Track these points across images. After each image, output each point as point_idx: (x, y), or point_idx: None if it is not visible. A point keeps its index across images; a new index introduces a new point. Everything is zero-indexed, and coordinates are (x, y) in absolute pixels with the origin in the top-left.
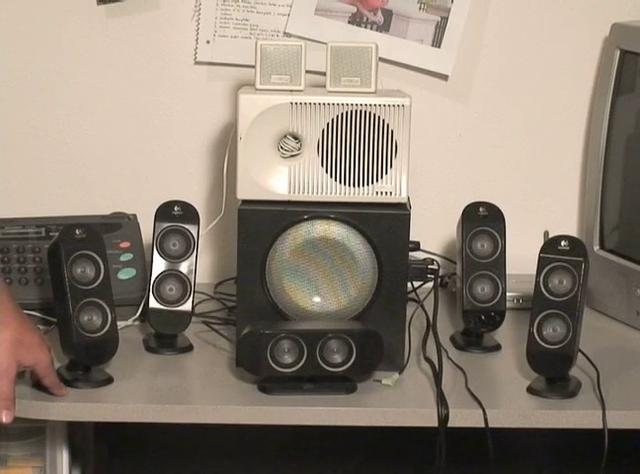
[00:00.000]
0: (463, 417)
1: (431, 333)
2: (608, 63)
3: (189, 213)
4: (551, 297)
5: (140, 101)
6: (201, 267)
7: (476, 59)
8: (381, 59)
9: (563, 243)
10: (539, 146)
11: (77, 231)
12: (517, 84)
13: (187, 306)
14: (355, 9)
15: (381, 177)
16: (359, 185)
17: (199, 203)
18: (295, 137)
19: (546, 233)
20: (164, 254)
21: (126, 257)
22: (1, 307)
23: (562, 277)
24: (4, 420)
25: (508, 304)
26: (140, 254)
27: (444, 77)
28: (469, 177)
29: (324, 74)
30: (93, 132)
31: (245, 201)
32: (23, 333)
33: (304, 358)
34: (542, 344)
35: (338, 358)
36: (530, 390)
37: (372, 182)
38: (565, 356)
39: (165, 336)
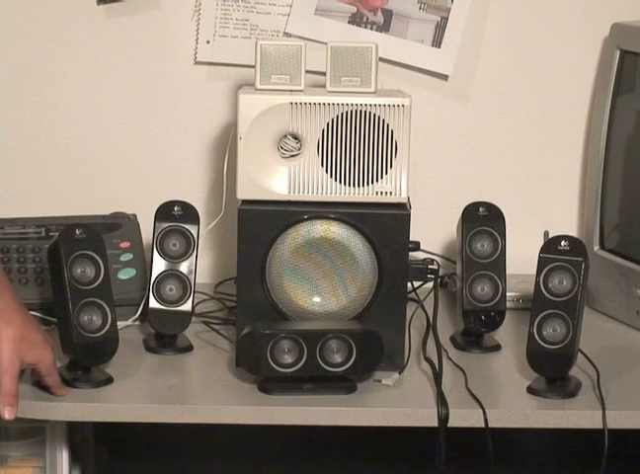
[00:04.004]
0: (463, 417)
1: (431, 333)
2: (608, 63)
3: (189, 213)
4: (551, 297)
5: (140, 101)
6: (201, 267)
7: (476, 59)
8: (381, 59)
9: (563, 243)
10: (539, 146)
11: (77, 231)
12: (517, 84)
13: (187, 306)
14: (355, 9)
15: (381, 177)
16: (359, 185)
17: (199, 203)
18: (295, 137)
19: (546, 233)
20: (164, 254)
21: (126, 257)
22: (5, 305)
23: (562, 277)
24: (7, 416)
25: (508, 304)
26: (140, 254)
27: (444, 77)
28: (469, 177)
29: (324, 74)
30: (93, 132)
31: (245, 201)
32: (27, 331)
33: (304, 358)
34: (542, 344)
35: (338, 358)
36: (530, 390)
37: (372, 182)
38: (565, 356)
39: (165, 336)
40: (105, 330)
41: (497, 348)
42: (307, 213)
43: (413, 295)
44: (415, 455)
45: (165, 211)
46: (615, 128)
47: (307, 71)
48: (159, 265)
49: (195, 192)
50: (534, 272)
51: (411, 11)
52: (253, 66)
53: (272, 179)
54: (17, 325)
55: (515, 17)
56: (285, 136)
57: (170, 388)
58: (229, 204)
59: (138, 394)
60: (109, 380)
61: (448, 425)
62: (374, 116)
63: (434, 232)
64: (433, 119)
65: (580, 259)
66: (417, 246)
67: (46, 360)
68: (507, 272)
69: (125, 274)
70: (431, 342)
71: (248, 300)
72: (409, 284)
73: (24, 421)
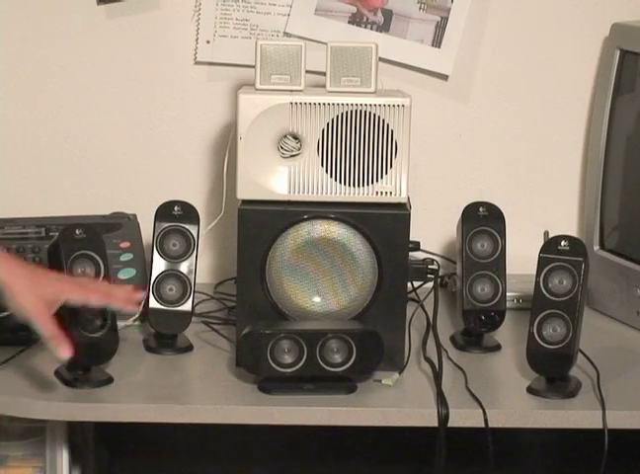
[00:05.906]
0: (463, 417)
1: (431, 333)
2: (608, 63)
3: (189, 213)
4: (551, 297)
5: (140, 101)
6: (201, 267)
7: (476, 59)
8: (381, 59)
9: (563, 243)
10: (539, 146)
11: (77, 231)
12: (517, 84)
13: (187, 306)
14: (355, 9)
15: (381, 177)
16: (359, 185)
17: (199, 203)
18: (295, 137)
19: (546, 233)
20: (164, 254)
21: (126, 257)
22: (6, 261)
23: (562, 277)
24: (65, 354)
25: (508, 304)
26: (140, 254)
27: (444, 77)
28: (469, 177)
29: (324, 74)
30: (93, 132)
31: (245, 201)
32: (33, 269)
33: (304, 358)
34: (542, 344)
35: (338, 358)
36: (530, 390)
37: (372, 182)
38: (565, 356)
39: (165, 336)
40: (105, 330)
41: (497, 348)
42: (307, 213)
43: (413, 295)
44: (415, 455)
45: (165, 211)
46: (615, 128)
47: (307, 71)
48: (159, 265)
49: (195, 192)
50: (534, 272)
51: (411, 11)
52: (253, 66)
53: (272, 179)
54: (21, 268)
55: (515, 17)
56: (285, 136)
57: (170, 388)
58: (229, 204)
59: (138, 394)
60: (109, 380)
61: (448, 425)
62: (374, 116)
63: (434, 232)
64: (433, 119)
65: (580, 259)
66: (417, 246)
67: (67, 290)
68: (507, 272)
69: (125, 274)
70: (431, 342)
71: (248, 300)
72: (409, 284)
73: (24, 421)
